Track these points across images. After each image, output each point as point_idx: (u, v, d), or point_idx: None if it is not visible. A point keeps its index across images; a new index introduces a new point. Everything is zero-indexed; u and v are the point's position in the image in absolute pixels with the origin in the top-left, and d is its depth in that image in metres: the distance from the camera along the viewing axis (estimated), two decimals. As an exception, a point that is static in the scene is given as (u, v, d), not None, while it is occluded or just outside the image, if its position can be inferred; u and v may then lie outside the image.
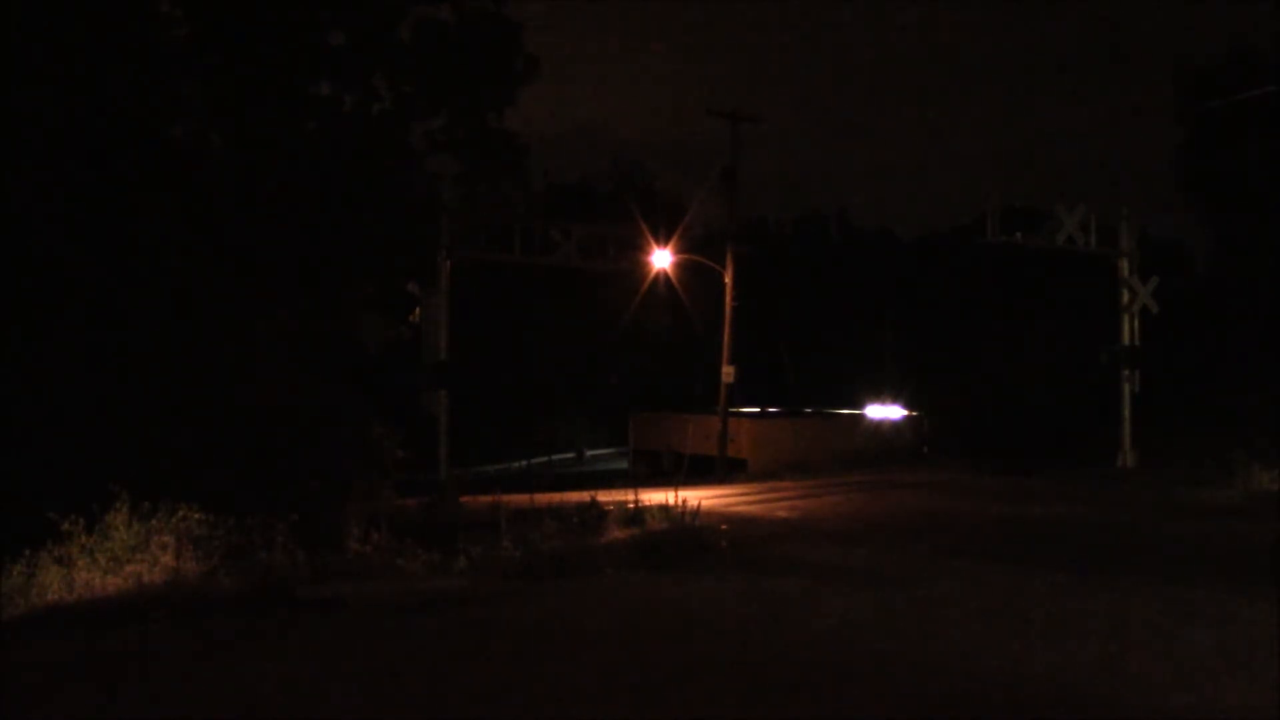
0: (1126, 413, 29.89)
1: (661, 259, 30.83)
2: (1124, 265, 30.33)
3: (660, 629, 11.27)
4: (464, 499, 22.44)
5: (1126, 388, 30.00)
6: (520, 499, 19.35)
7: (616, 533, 16.54)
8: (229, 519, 13.62)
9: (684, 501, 17.78)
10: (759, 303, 37.74)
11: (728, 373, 31.79)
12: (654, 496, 18.95)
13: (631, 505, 17.81)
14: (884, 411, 39.61)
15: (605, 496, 18.93)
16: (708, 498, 22.17)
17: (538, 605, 12.66)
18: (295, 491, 15.70)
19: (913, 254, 55.93)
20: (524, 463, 43.81)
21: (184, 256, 16.74)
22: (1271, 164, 31.88)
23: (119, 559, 12.54)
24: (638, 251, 29.81)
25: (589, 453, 50.76)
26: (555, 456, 47.01)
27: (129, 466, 13.76)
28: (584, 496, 18.54)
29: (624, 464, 39.24)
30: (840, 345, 50.76)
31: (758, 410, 41.12)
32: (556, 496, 20.01)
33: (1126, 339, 30.19)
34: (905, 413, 39.96)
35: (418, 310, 24.65)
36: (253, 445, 16.50)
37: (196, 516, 13.25)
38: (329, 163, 18.32)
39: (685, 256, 32.45)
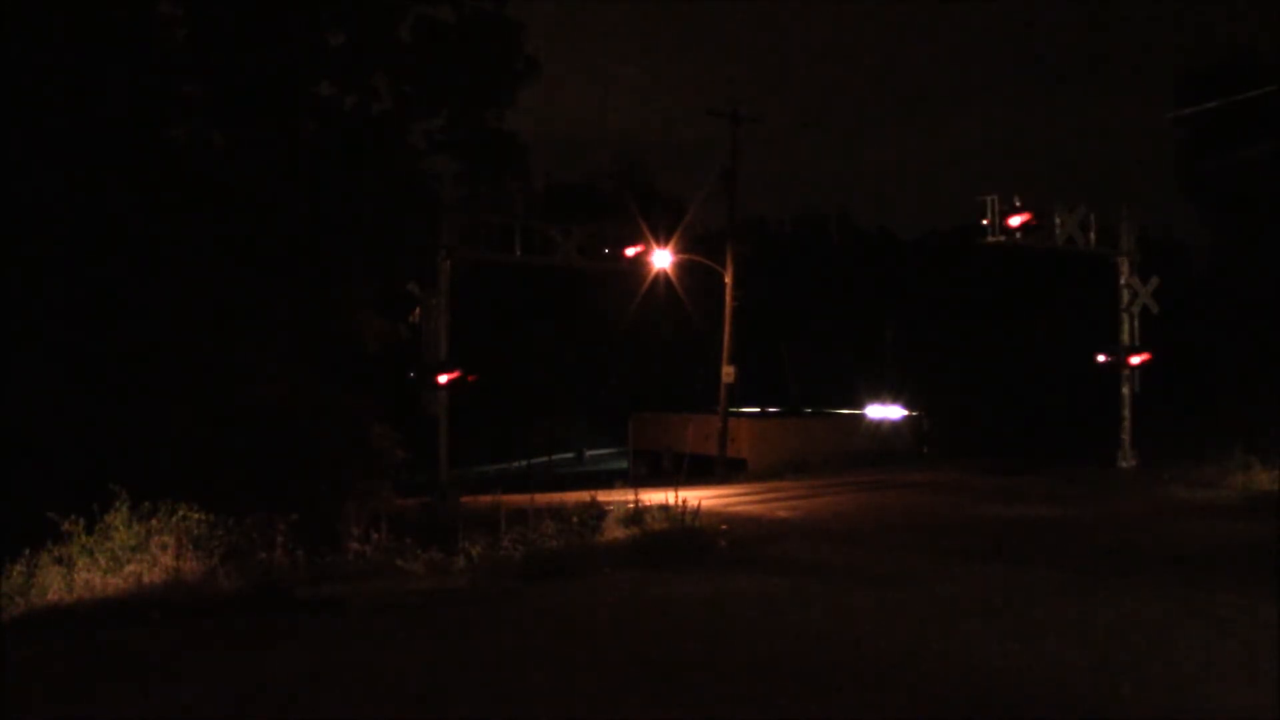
0: (1127, 413, 29.85)
1: (661, 259, 30.81)
2: (1124, 265, 30.29)
3: (660, 628, 11.26)
4: (464, 499, 22.45)
5: (1126, 388, 29.98)
6: (520, 499, 19.34)
7: (616, 532, 16.54)
8: (229, 519, 13.62)
9: (684, 501, 17.77)
10: (759, 303, 37.73)
11: (728, 373, 31.78)
12: (654, 496, 18.94)
13: (631, 505, 17.80)
14: (884, 411, 39.62)
15: (605, 496, 18.94)
16: (708, 498, 22.17)
17: (538, 605, 12.66)
18: (295, 491, 15.70)
19: (913, 254, 55.91)
20: (524, 463, 43.85)
21: (183, 257, 16.75)
22: (1271, 164, 31.87)
23: (119, 559, 12.54)
24: (638, 251, 29.77)
25: (589, 453, 50.80)
26: (555, 456, 47.03)
27: (129, 466, 13.76)
28: (584, 496, 18.53)
29: (624, 464, 39.25)
30: (840, 345, 50.77)
31: (758, 410, 41.15)
32: (556, 496, 20.00)
33: (1126, 339, 30.15)
34: (905, 413, 39.97)
35: (418, 310, 24.61)
36: (252, 445, 16.51)
37: (196, 516, 13.24)
38: (329, 162, 18.33)
39: (685, 256, 32.43)
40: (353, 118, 19.26)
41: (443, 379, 24.18)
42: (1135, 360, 29.69)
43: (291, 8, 18.48)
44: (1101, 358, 29.99)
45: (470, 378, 24.03)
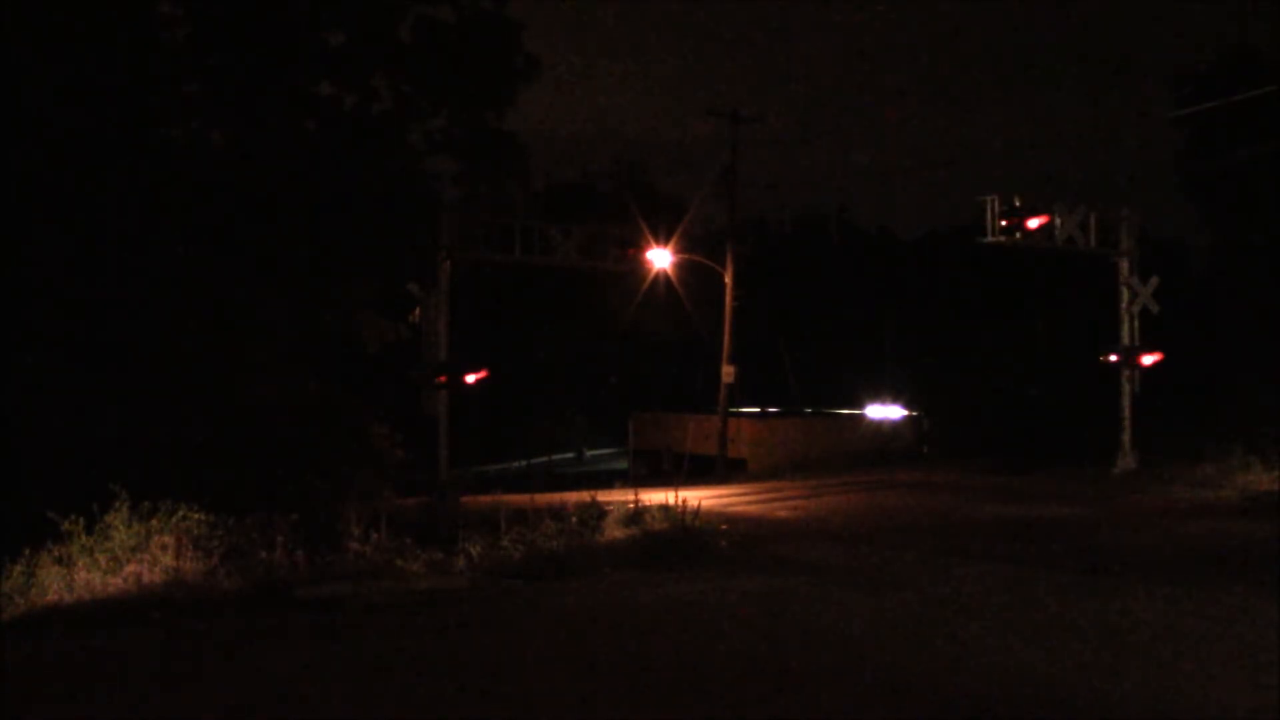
0: (1126, 413, 29.82)
1: (661, 259, 30.81)
2: (1124, 265, 30.27)
3: (659, 629, 11.26)
4: (464, 499, 22.44)
5: (1126, 388, 29.95)
6: (520, 499, 19.33)
7: (616, 532, 16.53)
8: (229, 519, 13.61)
9: (684, 501, 17.76)
10: (759, 303, 37.75)
11: (728, 373, 31.79)
12: (654, 496, 18.93)
13: (631, 505, 17.79)
14: (884, 411, 39.62)
15: (605, 496, 18.90)
16: (708, 498, 22.16)
17: (538, 605, 12.66)
18: (295, 491, 15.71)
19: (913, 254, 55.92)
20: (524, 463, 43.82)
21: (183, 256, 16.76)
22: (1271, 164, 31.87)
23: (119, 559, 12.53)
24: (638, 251, 29.77)
25: (589, 453, 50.80)
26: (555, 456, 47.02)
27: (129, 466, 13.76)
28: (584, 496, 18.50)
29: (624, 464, 39.24)
30: (840, 345, 50.78)
31: (758, 410, 41.15)
32: (556, 496, 19.98)
33: (1126, 339, 30.13)
34: (905, 413, 39.98)
35: (418, 310, 24.60)
36: (252, 444, 16.51)
37: (196, 516, 13.23)
38: (329, 163, 18.32)
39: (685, 256, 32.45)
40: (353, 118, 19.25)
41: (443, 379, 24.15)
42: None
43: (291, 7, 18.47)
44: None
45: (466, 378, 24.00)
